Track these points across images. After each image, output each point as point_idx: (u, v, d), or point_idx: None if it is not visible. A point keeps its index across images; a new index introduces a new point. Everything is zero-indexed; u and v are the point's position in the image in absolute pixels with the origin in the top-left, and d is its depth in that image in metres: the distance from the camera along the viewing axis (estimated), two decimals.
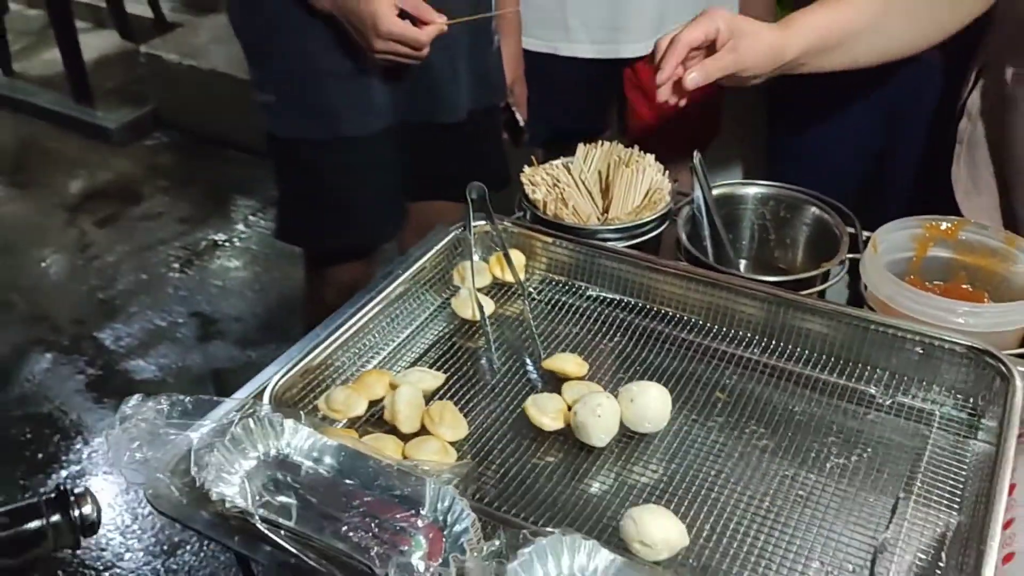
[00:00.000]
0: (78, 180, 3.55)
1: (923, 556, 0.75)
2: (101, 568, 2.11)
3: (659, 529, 0.74)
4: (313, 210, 1.52)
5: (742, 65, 1.01)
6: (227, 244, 3.15)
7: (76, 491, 0.65)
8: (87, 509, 0.65)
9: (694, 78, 1.00)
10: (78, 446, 2.39)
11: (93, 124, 3.75)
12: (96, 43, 4.21)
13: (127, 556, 2.13)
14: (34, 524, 0.63)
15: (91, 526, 0.66)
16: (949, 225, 1.04)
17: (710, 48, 1.02)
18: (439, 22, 1.23)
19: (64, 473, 2.33)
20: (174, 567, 2.11)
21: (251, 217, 3.27)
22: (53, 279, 3.04)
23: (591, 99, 1.73)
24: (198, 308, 2.85)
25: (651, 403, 0.87)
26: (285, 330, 2.80)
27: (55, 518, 0.64)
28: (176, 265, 3.06)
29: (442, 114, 1.46)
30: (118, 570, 2.10)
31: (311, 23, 1.32)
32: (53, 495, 0.65)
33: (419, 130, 1.46)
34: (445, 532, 0.71)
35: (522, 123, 1.62)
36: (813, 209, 1.12)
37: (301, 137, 1.45)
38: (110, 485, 2.29)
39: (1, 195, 3.49)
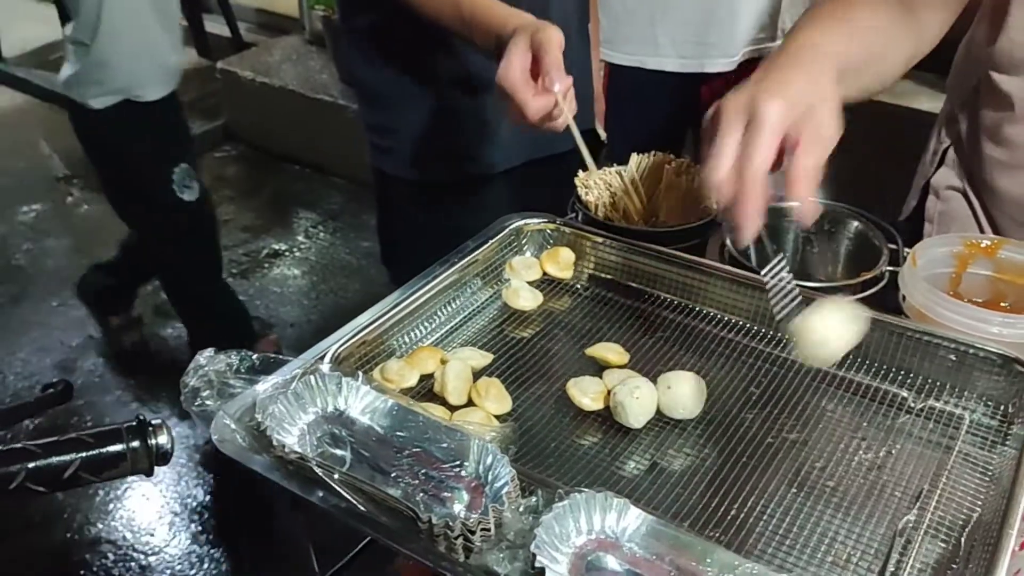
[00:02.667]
0: None
1: (943, 543, 0.78)
2: (148, 552, 2.20)
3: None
4: (422, 248, 1.42)
5: (833, 144, 0.82)
6: (287, 253, 3.26)
7: (153, 421, 0.72)
8: (162, 439, 0.71)
9: (811, 206, 0.81)
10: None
11: None
12: None
13: (173, 542, 2.21)
14: (116, 447, 0.70)
15: (164, 455, 0.72)
16: (989, 243, 1.07)
17: None
18: (557, 91, 1.07)
19: None
20: (217, 556, 2.18)
21: (311, 229, 3.38)
22: None
23: (671, 114, 1.80)
24: (256, 313, 2.96)
25: (686, 390, 0.91)
26: None
27: (134, 443, 0.70)
28: (237, 271, 3.17)
29: (558, 144, 1.43)
30: (165, 555, 2.18)
31: (444, 65, 1.32)
32: (133, 423, 0.71)
33: (536, 163, 1.46)
34: (486, 487, 0.75)
35: (604, 138, 1.63)
36: (856, 223, 1.15)
37: (423, 180, 1.43)
38: (164, 474, 2.38)
39: (77, 197, 3.66)
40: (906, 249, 1.11)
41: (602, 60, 1.86)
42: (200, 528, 2.24)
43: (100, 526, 2.25)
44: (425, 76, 1.36)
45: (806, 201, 0.80)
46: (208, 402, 0.82)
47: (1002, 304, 1.08)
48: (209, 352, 0.85)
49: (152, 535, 2.23)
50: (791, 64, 0.85)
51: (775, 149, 0.79)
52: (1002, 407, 0.92)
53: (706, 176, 0.81)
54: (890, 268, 1.08)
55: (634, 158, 1.24)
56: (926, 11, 1.04)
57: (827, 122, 0.81)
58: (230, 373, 0.85)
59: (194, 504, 2.30)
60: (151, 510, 2.29)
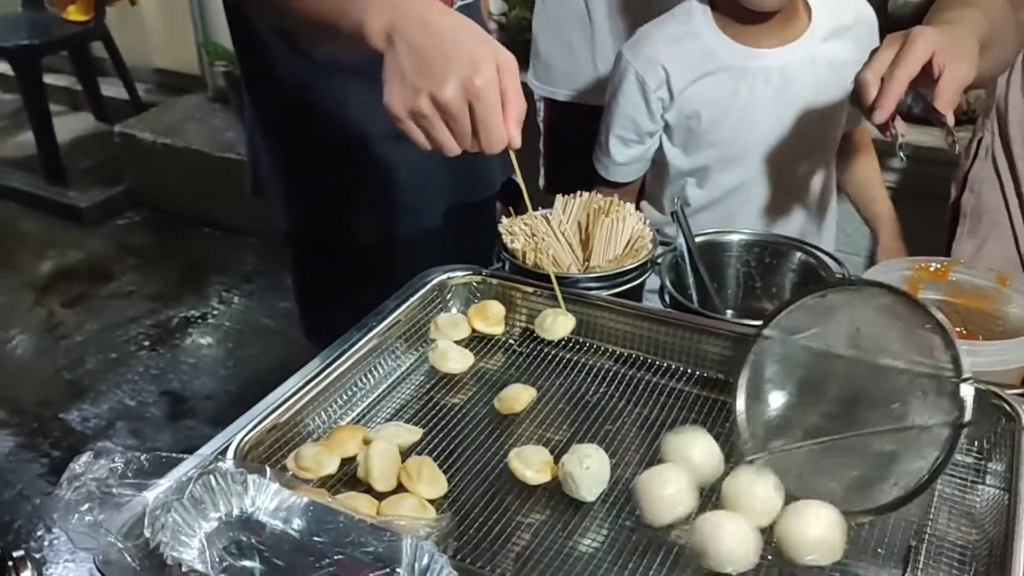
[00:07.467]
0: (48, 260, 3.49)
1: None
2: None
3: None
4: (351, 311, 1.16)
5: (971, 75, 0.93)
6: (199, 321, 3.09)
7: (15, 555, 0.59)
8: (25, 575, 0.59)
9: (949, 109, 0.92)
10: (39, 532, 2.28)
11: (65, 204, 3.72)
12: (71, 125, 4.21)
13: None
14: None
15: None
16: (938, 266, 1.02)
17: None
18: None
19: None
20: None
21: (224, 293, 3.22)
22: (19, 360, 2.96)
23: None
24: (168, 387, 2.78)
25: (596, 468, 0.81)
26: None
27: None
28: (147, 343, 2.99)
29: (481, 190, 1.37)
30: None
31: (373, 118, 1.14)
32: None
33: (458, 210, 1.34)
34: None
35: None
36: (799, 255, 1.09)
37: (354, 244, 1.31)
38: (74, 574, 2.18)
39: None
40: (852, 277, 1.05)
41: (542, 97, 1.81)
42: None
43: None
44: (353, 133, 1.23)
45: (948, 105, 0.92)
46: (88, 517, 0.70)
47: (956, 329, 1.03)
48: (87, 456, 0.72)
49: None
50: (941, 24, 0.97)
51: (921, 62, 0.91)
52: (976, 443, 0.85)
53: (860, 75, 0.94)
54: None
55: (559, 200, 1.16)
56: (1022, 10, 1.11)
57: (968, 54, 0.95)
58: (114, 479, 0.72)
59: None
60: None
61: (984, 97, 1.30)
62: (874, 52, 0.97)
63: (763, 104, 1.27)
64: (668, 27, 1.31)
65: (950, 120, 0.93)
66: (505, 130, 0.82)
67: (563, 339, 1.01)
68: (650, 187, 1.43)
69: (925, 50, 0.91)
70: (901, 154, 0.95)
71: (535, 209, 1.07)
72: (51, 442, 2.59)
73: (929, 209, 1.39)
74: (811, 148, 1.31)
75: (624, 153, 1.36)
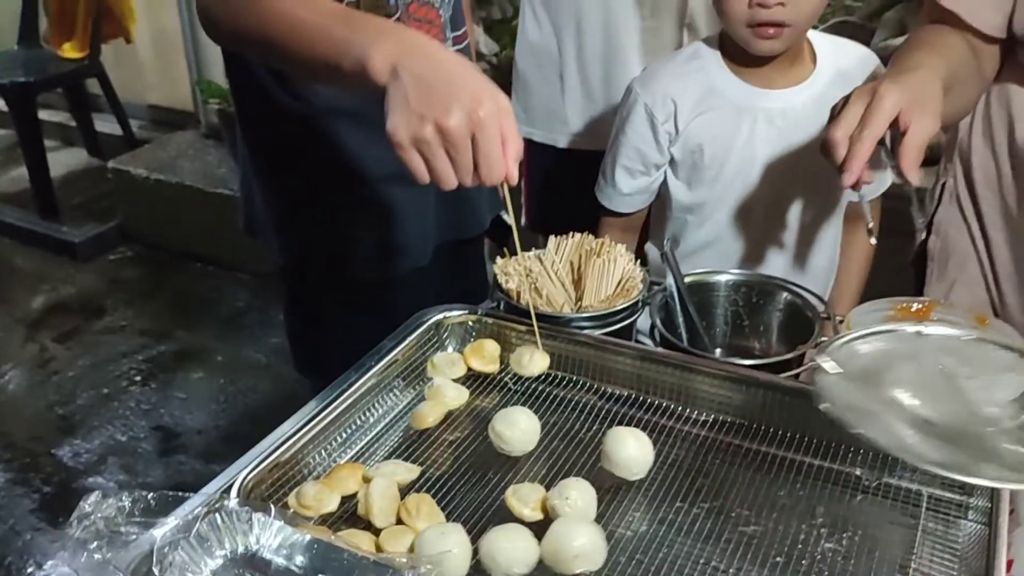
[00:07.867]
0: (40, 295, 3.50)
1: None
2: None
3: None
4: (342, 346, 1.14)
5: (935, 129, 0.97)
6: (191, 356, 3.09)
7: None
8: None
9: (916, 171, 0.96)
10: (30, 569, 2.27)
11: (58, 239, 3.73)
12: (64, 160, 4.24)
13: None
14: None
15: None
16: (920, 306, 1.05)
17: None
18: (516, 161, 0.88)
19: None
20: None
21: (216, 328, 3.23)
22: (11, 395, 2.95)
23: (588, 190, 1.76)
24: (160, 422, 2.78)
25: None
26: (250, 442, 2.73)
27: None
28: (138, 378, 2.99)
29: (471, 228, 1.40)
30: None
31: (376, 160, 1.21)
32: None
33: (449, 248, 1.36)
34: None
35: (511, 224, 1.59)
36: (786, 295, 1.12)
37: (350, 280, 1.32)
38: None
39: None
40: (839, 317, 1.08)
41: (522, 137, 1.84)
42: None
43: None
44: (347, 171, 1.26)
45: (912, 168, 0.96)
46: (97, 555, 0.72)
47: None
48: (95, 496, 0.74)
49: None
50: (907, 71, 1.02)
51: (888, 121, 0.96)
52: None
53: (829, 134, 0.98)
54: (825, 339, 1.04)
55: (552, 241, 1.19)
56: (983, 58, 1.17)
57: (933, 105, 0.98)
58: (122, 518, 0.74)
59: None
60: None
61: (946, 140, 1.33)
62: (845, 100, 1.00)
63: (765, 143, 1.30)
64: (677, 63, 1.35)
65: (914, 181, 0.97)
66: (504, 163, 0.85)
67: (557, 377, 1.04)
68: (653, 228, 1.46)
69: (892, 109, 0.95)
70: (873, 240, 1.05)
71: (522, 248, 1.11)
72: (42, 477, 2.59)
73: (897, 243, 1.41)
74: (813, 191, 1.34)
75: (630, 184, 1.39)
